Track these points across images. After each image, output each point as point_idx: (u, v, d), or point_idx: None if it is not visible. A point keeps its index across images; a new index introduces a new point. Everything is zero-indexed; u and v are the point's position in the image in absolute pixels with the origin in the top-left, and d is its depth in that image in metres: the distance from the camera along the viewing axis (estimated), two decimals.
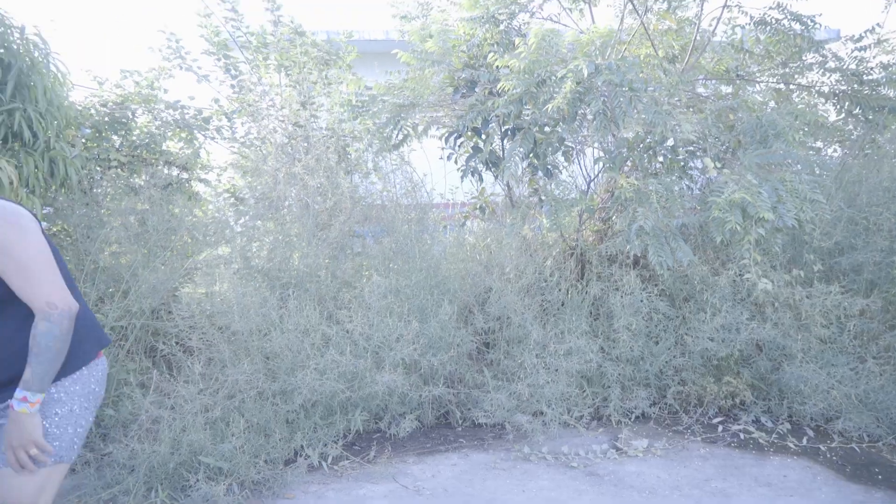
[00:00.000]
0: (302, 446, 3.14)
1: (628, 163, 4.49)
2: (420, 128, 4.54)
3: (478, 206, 5.09)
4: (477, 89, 4.41)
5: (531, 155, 4.41)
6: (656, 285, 4.18)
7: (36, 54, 4.30)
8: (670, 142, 4.16)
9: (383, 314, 3.41)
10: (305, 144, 4.80)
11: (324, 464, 3.24)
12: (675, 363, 3.87)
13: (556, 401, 3.59)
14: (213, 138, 5.29)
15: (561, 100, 3.51)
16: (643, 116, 3.55)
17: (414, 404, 3.60)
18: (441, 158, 4.90)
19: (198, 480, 2.74)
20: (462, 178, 4.64)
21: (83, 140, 5.14)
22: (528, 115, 4.32)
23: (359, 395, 3.24)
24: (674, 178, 4.17)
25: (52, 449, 1.59)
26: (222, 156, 5.65)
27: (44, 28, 4.15)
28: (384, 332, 3.30)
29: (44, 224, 4.86)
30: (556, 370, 3.64)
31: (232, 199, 5.22)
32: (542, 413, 3.70)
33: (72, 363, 1.67)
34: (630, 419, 3.84)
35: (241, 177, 5.42)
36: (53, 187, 4.63)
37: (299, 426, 3.18)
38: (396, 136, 4.49)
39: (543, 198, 4.62)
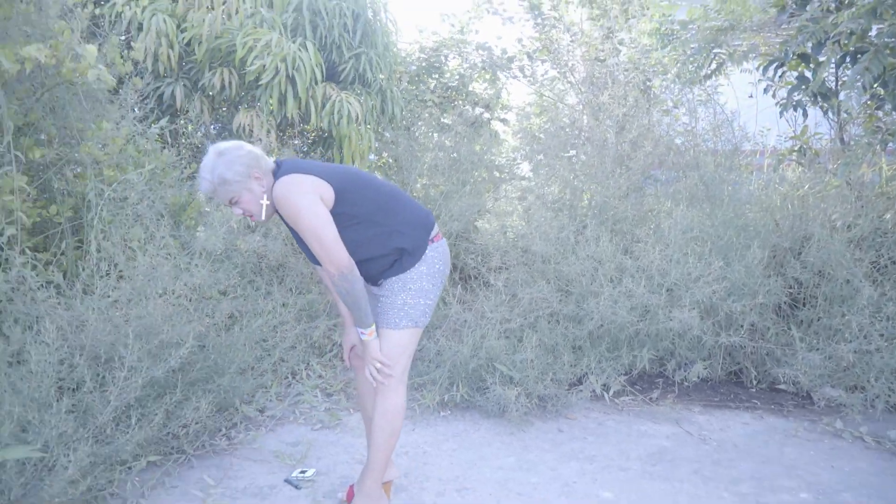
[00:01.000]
0: (586, 374, 3.21)
1: None
2: (737, 54, 4.07)
3: (797, 149, 4.45)
4: (808, 7, 3.78)
5: (877, 84, 3.65)
6: None
7: (376, 5, 4.95)
8: None
9: (683, 250, 3.24)
10: (609, 80, 4.72)
11: (605, 395, 3.27)
12: None
13: (887, 375, 3.04)
14: (514, 77, 5.52)
15: None
16: None
17: (705, 353, 3.39)
18: (751, 97, 4.37)
19: (493, 383, 3.01)
20: (781, 113, 4.07)
21: (405, 82, 5.83)
22: (877, 33, 3.57)
23: (647, 331, 3.17)
24: None
25: (389, 364, 1.99)
26: (522, 95, 5.89)
27: None
28: (682, 270, 3.14)
29: (373, 157, 5.69)
30: (893, 339, 3.07)
31: (529, 137, 5.42)
32: (861, 388, 3.18)
33: (415, 254, 2.01)
34: None
35: (537, 115, 5.58)
36: (382, 124, 5.36)
37: (585, 353, 3.25)
38: (709, 66, 4.12)
39: (890, 137, 3.82)
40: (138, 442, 2.27)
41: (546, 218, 3.85)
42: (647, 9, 4.91)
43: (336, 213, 1.90)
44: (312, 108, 4.39)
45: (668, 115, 4.73)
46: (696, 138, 4.12)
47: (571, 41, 5.31)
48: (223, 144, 1.94)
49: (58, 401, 2.09)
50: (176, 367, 2.50)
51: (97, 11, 4.01)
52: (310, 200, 1.86)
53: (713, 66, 4.13)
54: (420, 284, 2.01)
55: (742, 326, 3.26)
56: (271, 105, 4.24)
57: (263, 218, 1.97)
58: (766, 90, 4.16)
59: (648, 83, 4.85)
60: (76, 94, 3.03)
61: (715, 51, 4.01)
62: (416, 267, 2.01)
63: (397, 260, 2.01)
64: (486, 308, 3.34)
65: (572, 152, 4.54)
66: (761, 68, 4.01)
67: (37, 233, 2.85)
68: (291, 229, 1.97)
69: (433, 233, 2.08)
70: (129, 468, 2.30)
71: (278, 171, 1.95)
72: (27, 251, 2.49)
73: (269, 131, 4.29)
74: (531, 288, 3.32)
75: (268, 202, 1.94)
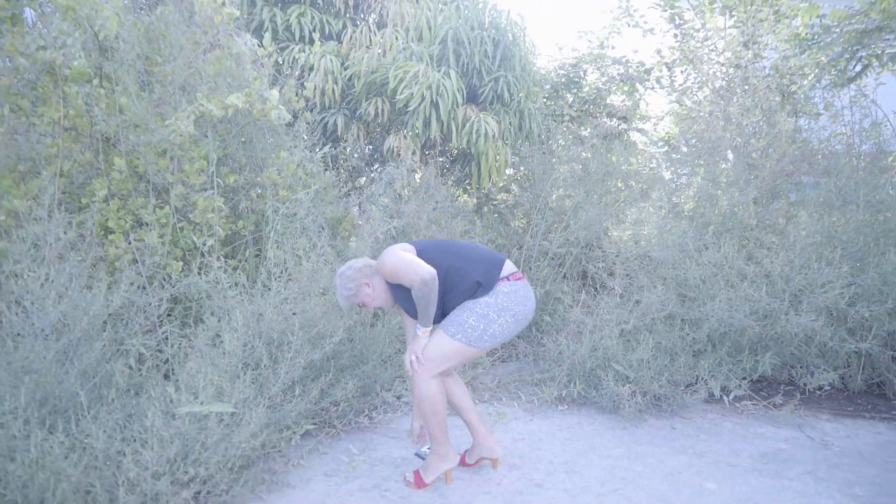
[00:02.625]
0: (704, 379, 3.25)
1: None
2: (884, 55, 3.82)
3: None
4: None
5: None
6: None
7: (517, 31, 5.30)
8: None
9: (808, 256, 3.17)
10: (746, 87, 4.62)
11: (725, 398, 3.29)
12: None
13: None
14: (651, 88, 5.56)
15: None
16: None
17: (839, 361, 3.26)
18: None
19: (608, 381, 3.19)
20: None
21: (544, 98, 6.10)
22: None
23: (770, 335, 3.14)
24: None
25: (423, 361, 2.43)
26: (660, 105, 5.88)
27: (520, 8, 5.08)
28: (808, 275, 3.08)
29: (510, 170, 6.03)
30: None
31: (665, 147, 5.42)
32: None
33: (486, 286, 2.44)
34: None
35: (675, 124, 5.56)
36: (520, 139, 5.68)
37: (705, 357, 3.30)
38: (853, 68, 3.91)
39: None
40: (299, 412, 2.81)
41: (678, 226, 3.91)
42: (789, 15, 4.72)
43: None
44: (453, 129, 4.85)
45: (816, 118, 4.51)
46: (834, 142, 3.92)
47: (711, 49, 5.24)
48: (340, 269, 2.58)
49: (243, 374, 2.68)
50: (329, 353, 3.04)
51: (279, 59, 4.81)
52: (394, 250, 2.47)
53: (857, 68, 3.91)
54: (485, 311, 2.40)
55: (877, 335, 3.10)
56: (417, 128, 4.75)
57: (380, 304, 2.59)
58: None
59: (789, 88, 4.65)
60: (261, 130, 3.74)
61: (860, 53, 3.80)
62: (485, 297, 2.43)
63: (474, 291, 2.45)
64: (604, 311, 3.52)
65: (708, 161, 4.51)
66: None
67: (228, 243, 3.57)
68: (393, 293, 2.54)
69: (506, 271, 2.47)
70: (293, 433, 2.85)
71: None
72: (221, 258, 3.17)
73: (413, 152, 4.82)
74: (649, 292, 3.44)
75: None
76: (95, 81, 3.21)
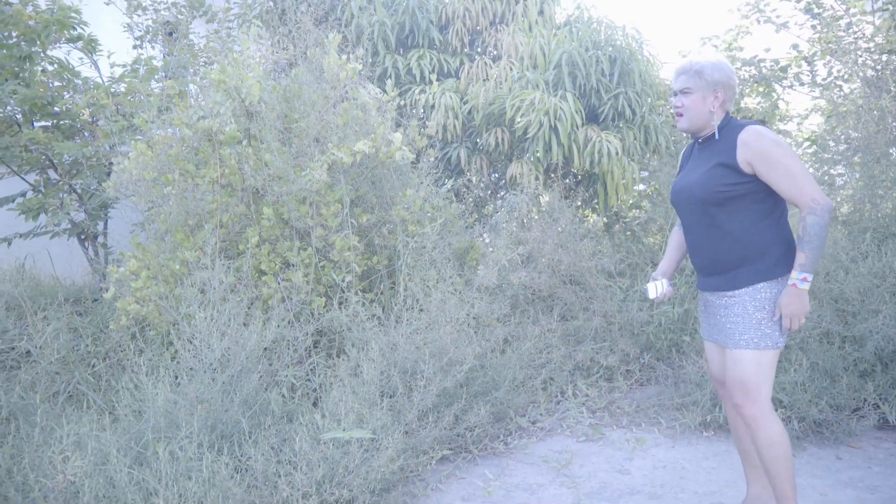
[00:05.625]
0: (874, 402, 2.91)
1: None
2: None
3: None
4: None
5: None
6: None
7: (633, 45, 5.20)
8: None
9: None
10: None
11: None
12: None
13: None
14: (790, 86, 5.16)
15: None
16: None
17: None
18: None
19: None
20: None
21: (671, 109, 5.87)
22: None
23: None
24: None
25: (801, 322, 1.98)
26: (802, 103, 5.43)
27: (638, 21, 4.98)
28: None
29: (642, 186, 5.85)
30: None
31: (812, 147, 4.98)
32: None
33: (780, 268, 2.01)
34: None
35: (824, 121, 5.09)
36: (647, 154, 5.51)
37: (873, 378, 2.95)
38: None
39: None
40: (435, 437, 2.91)
41: (830, 233, 3.57)
42: None
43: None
44: (575, 151, 4.83)
45: None
46: None
47: (858, 37, 4.76)
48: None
49: (380, 401, 2.84)
50: (461, 380, 3.13)
51: (401, 102, 5.10)
52: (783, 142, 1.98)
53: None
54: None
55: None
56: (538, 153, 4.79)
57: (687, 125, 2.12)
58: None
59: None
60: (388, 170, 3.99)
61: None
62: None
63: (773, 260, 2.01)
64: None
65: (865, 158, 4.08)
66: None
67: (364, 278, 3.81)
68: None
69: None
70: (430, 458, 2.95)
71: (728, 125, 2.09)
72: (359, 293, 3.40)
73: (536, 177, 4.85)
74: None
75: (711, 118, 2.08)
76: (245, 142, 3.63)
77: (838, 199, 4.23)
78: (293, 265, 3.49)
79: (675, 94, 2.14)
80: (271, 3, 5.78)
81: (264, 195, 3.61)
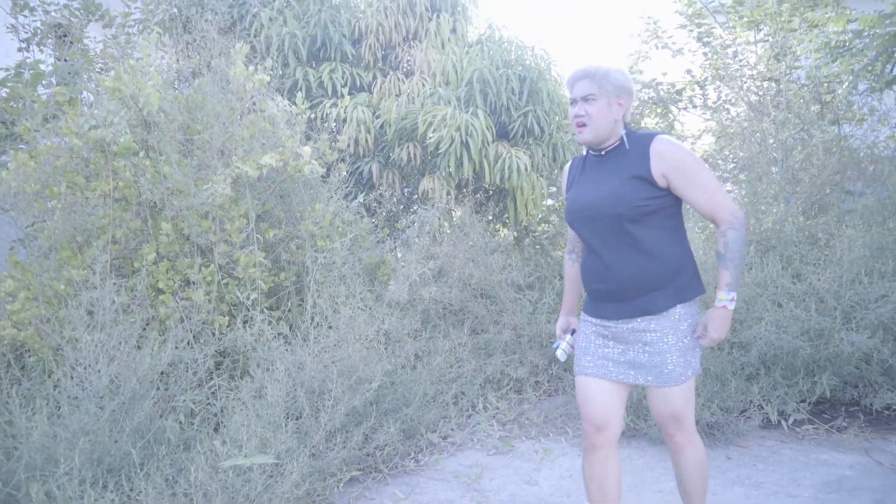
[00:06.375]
0: (758, 404, 3.11)
1: None
2: None
3: None
4: None
5: None
6: None
7: (542, 65, 5.37)
8: None
9: (857, 270, 3.02)
10: (780, 98, 4.51)
11: (783, 423, 3.13)
12: None
13: None
14: (685, 108, 5.49)
15: None
16: None
17: None
18: None
19: None
20: None
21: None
22: None
23: (824, 356, 2.99)
24: None
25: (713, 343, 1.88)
26: (695, 124, 5.80)
27: (545, 42, 5.17)
28: (858, 290, 2.93)
29: (550, 201, 6.03)
30: None
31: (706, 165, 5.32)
32: None
33: (692, 290, 1.91)
34: None
35: (714, 142, 5.45)
36: (555, 171, 5.69)
37: (758, 381, 3.16)
38: (890, 71, 3.77)
39: None
40: (343, 459, 2.85)
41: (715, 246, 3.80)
42: (819, 24, 4.61)
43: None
44: (486, 166, 4.91)
45: (861, 123, 4.35)
46: (882, 147, 3.75)
47: (743, 64, 5.15)
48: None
49: (285, 424, 2.75)
50: (371, 398, 3.08)
51: (312, 115, 5.02)
52: (696, 154, 1.86)
53: (895, 70, 3.76)
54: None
55: None
56: (449, 168, 4.84)
57: (591, 137, 1.92)
58: None
59: (826, 96, 4.50)
60: (297, 184, 3.90)
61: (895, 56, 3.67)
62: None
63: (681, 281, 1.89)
64: None
65: (749, 176, 4.39)
66: None
67: (270, 295, 3.69)
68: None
69: None
70: (338, 480, 2.88)
71: (632, 135, 1.94)
72: (265, 311, 3.29)
73: (448, 192, 4.89)
74: None
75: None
76: (141, 153, 3.44)
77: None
78: (194, 283, 3.33)
79: (575, 102, 1.92)
80: (175, 10, 5.55)
81: (162, 210, 3.44)
